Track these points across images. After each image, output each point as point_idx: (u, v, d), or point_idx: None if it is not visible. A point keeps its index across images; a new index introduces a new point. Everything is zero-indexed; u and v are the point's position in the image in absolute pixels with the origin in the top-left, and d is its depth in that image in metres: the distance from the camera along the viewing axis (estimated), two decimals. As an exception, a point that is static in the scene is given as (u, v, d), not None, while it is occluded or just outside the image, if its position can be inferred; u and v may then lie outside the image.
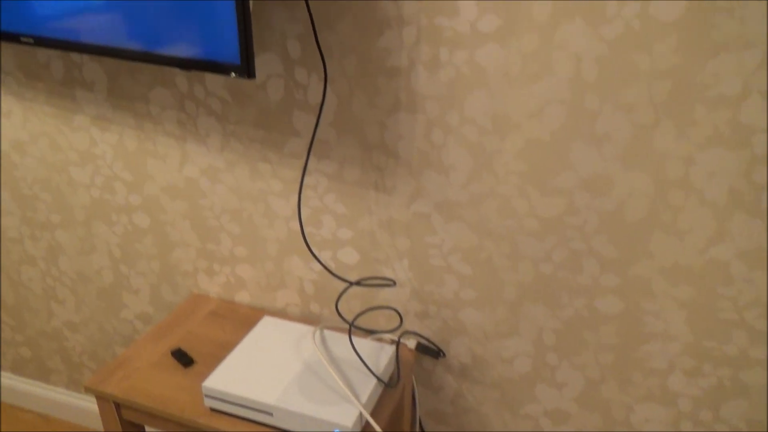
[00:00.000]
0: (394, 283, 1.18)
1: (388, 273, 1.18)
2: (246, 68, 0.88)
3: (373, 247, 1.16)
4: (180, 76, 1.13)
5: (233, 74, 0.89)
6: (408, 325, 1.22)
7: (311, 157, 1.12)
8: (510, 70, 0.92)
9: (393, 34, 0.96)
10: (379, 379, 1.01)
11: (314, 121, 1.08)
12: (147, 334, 1.22)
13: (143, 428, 1.19)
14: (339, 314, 1.08)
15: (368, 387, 0.99)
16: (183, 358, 1.13)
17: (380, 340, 1.20)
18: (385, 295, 1.21)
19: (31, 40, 1.02)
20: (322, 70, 1.03)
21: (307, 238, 1.20)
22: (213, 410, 1.01)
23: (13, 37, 1.03)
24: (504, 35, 0.89)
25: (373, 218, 1.13)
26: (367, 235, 1.15)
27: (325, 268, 1.10)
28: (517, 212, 1.02)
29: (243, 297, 1.35)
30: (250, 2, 0.84)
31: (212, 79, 1.11)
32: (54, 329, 1.64)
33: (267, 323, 1.17)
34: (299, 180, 1.14)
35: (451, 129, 0.99)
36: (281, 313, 1.32)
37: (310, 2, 0.98)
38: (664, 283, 0.99)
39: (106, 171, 1.31)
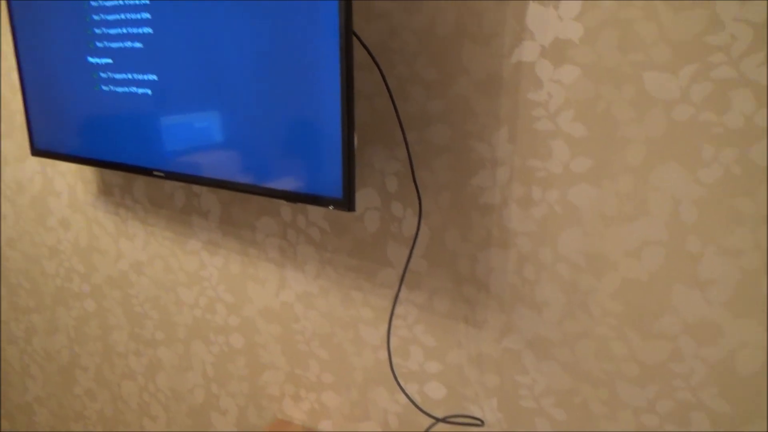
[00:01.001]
0: (482, 423, 1.13)
1: (475, 411, 1.13)
2: (347, 202, 0.94)
3: (461, 382, 1.12)
4: (285, 207, 1.22)
5: (331, 207, 0.95)
6: (496, 471, 1.14)
7: (402, 288, 1.14)
8: (604, 209, 0.92)
9: (487, 173, 1.00)
10: None
11: (407, 252, 1.11)
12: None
13: None
14: (423, 453, 1.03)
15: None
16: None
17: (466, 485, 1.13)
18: (472, 436, 1.15)
19: (162, 174, 1.15)
20: (418, 204, 1.08)
21: (394, 368, 1.19)
22: None
23: (147, 171, 1.17)
24: (597, 176, 0.91)
25: (462, 352, 1.11)
26: (456, 369, 1.12)
27: (411, 401, 1.08)
28: (615, 355, 0.97)
29: (326, 426, 1.33)
30: (355, 143, 0.92)
31: (314, 211, 1.19)
32: (143, 445, 1.67)
33: (349, 456, 1.14)
34: (390, 309, 1.16)
35: (544, 265, 0.99)
36: (363, 447, 1.29)
37: (409, 145, 1.05)
38: (790, 446, 0.88)
39: (210, 292, 1.39)
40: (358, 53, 1.05)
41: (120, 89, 1.16)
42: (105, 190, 1.51)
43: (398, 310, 1.16)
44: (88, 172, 1.53)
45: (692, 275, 0.88)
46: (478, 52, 0.96)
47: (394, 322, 1.17)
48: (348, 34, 0.85)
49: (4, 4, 1.54)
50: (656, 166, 0.86)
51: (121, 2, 1.09)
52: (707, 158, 0.83)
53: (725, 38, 0.78)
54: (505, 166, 0.98)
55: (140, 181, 1.43)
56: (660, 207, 0.88)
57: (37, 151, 1.39)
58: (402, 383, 1.19)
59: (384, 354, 1.20)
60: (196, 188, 1.34)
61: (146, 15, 1.06)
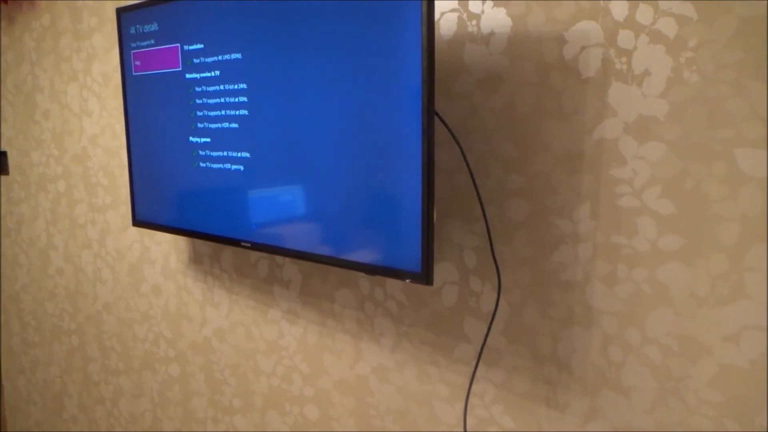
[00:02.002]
0: None
1: (559, 504, 1.05)
2: (425, 276, 0.94)
3: (543, 470, 1.06)
4: (363, 280, 1.24)
5: (408, 280, 0.96)
6: None
7: (480, 365, 1.11)
8: (697, 290, 0.87)
9: (568, 249, 0.98)
10: None
11: (485, 328, 1.09)
12: None
13: None
14: None
15: None
16: None
17: None
18: None
19: (248, 245, 1.21)
20: (496, 279, 1.06)
21: (471, 451, 1.14)
22: None
23: (235, 242, 1.24)
24: (688, 255, 0.87)
25: (544, 437, 1.06)
26: (537, 455, 1.07)
27: (489, 488, 1.02)
28: (714, 449, 0.89)
29: None
30: (434, 218, 0.94)
31: (392, 284, 1.20)
32: None
33: None
34: (466, 387, 1.13)
35: (632, 347, 0.94)
36: None
37: (488, 219, 1.06)
38: None
39: (287, 362, 1.41)
40: (439, 131, 1.09)
41: (216, 166, 1.25)
42: (195, 259, 1.59)
43: (475, 388, 1.12)
44: (181, 242, 1.63)
45: (800, 364, 0.81)
46: (558, 129, 0.97)
47: (471, 400, 1.13)
48: (430, 113, 0.89)
49: (121, 90, 1.72)
50: (752, 246, 0.82)
51: (221, 87, 1.19)
52: (810, 238, 0.78)
53: (823, 114, 0.75)
54: (588, 242, 0.96)
55: (228, 251, 1.50)
56: (758, 288, 0.82)
57: (137, 222, 1.50)
58: (479, 467, 1.14)
59: (460, 434, 1.16)
60: (279, 259, 1.39)
61: (243, 99, 1.16)
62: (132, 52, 1.40)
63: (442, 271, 1.13)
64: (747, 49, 0.79)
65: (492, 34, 1.01)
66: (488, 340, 1.09)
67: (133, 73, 1.41)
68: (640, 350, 0.93)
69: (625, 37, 0.89)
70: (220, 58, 1.19)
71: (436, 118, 1.05)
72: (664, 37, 0.85)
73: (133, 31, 1.38)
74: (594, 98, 0.93)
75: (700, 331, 0.88)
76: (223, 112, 1.21)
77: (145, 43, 1.36)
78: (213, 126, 1.23)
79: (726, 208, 0.84)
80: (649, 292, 0.91)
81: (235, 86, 1.17)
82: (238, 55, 1.15)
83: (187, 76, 1.27)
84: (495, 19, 1.01)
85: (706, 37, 0.82)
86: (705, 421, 0.89)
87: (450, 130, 1.05)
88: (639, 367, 0.94)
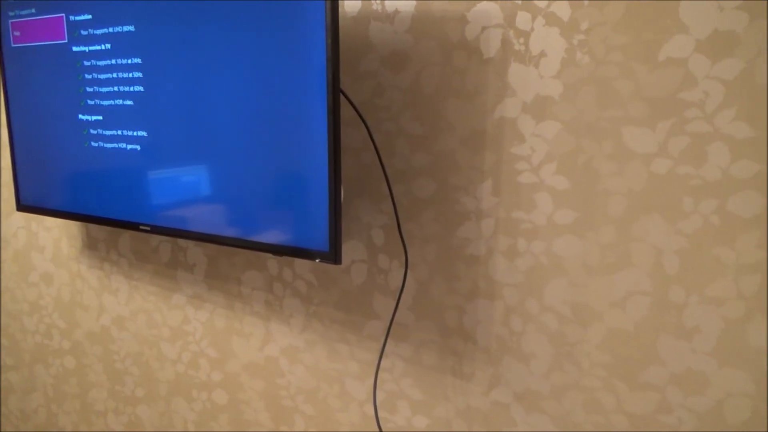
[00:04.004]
0: (473, 481, 1.10)
1: (465, 468, 1.10)
2: (333, 255, 0.94)
3: (451, 438, 1.10)
4: (272, 261, 1.22)
5: (318, 260, 0.95)
6: None
7: (389, 340, 1.13)
8: (588, 260, 0.93)
9: (472, 225, 1.01)
10: None
11: (393, 304, 1.11)
12: None
13: None
14: None
15: None
16: None
17: None
18: (462, 494, 1.12)
19: (148, 228, 1.15)
20: (404, 256, 1.08)
21: (380, 424, 1.17)
22: None
23: (134, 226, 1.17)
24: (581, 227, 0.93)
25: (450, 405, 1.10)
26: (444, 423, 1.11)
27: (400, 459, 1.05)
28: (604, 407, 0.96)
29: (312, 486, 1.29)
30: (342, 197, 0.93)
31: (301, 264, 1.19)
32: None
33: None
34: (376, 362, 1.15)
35: (531, 316, 0.99)
36: (351, 508, 1.24)
37: (395, 198, 1.07)
38: (784, 499, 0.87)
39: (193, 347, 1.37)
40: (346, 109, 1.08)
41: (109, 145, 1.17)
42: (90, 245, 1.50)
43: (385, 363, 1.14)
44: (73, 227, 1.53)
45: (677, 325, 0.89)
46: (462, 108, 0.99)
47: (380, 375, 1.15)
48: (335, 92, 0.88)
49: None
50: (638, 218, 0.88)
51: (113, 62, 1.12)
52: (687, 209, 0.85)
53: (698, 95, 0.82)
54: (491, 218, 0.99)
55: (126, 236, 1.42)
56: (643, 257, 0.89)
57: (23, 206, 1.39)
58: (390, 440, 1.17)
59: (370, 409, 1.18)
60: (182, 242, 1.33)
61: (138, 74, 1.09)
62: (10, 21, 1.28)
63: (350, 249, 1.13)
64: (634, 32, 0.85)
65: (396, 12, 1.01)
66: (396, 315, 1.11)
67: (12, 45, 1.29)
68: (539, 319, 0.99)
69: (523, 19, 0.92)
70: (110, 29, 1.11)
71: (342, 96, 1.04)
72: (559, 20, 0.89)
73: (9, -4, 1.26)
74: (495, 78, 0.95)
75: (592, 298, 0.94)
76: (115, 88, 1.13)
77: (25, 12, 1.25)
78: (105, 103, 1.15)
79: (614, 183, 0.89)
80: (546, 264, 0.96)
81: (129, 60, 1.10)
82: (131, 27, 1.08)
83: (74, 48, 1.18)
84: (399, -3, 1.01)
85: (597, 20, 0.87)
86: (596, 381, 0.96)
87: (356, 109, 1.04)
88: (537, 335, 0.99)
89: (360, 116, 1.04)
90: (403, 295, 1.10)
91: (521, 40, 0.92)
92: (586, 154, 0.91)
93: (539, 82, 0.92)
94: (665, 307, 0.89)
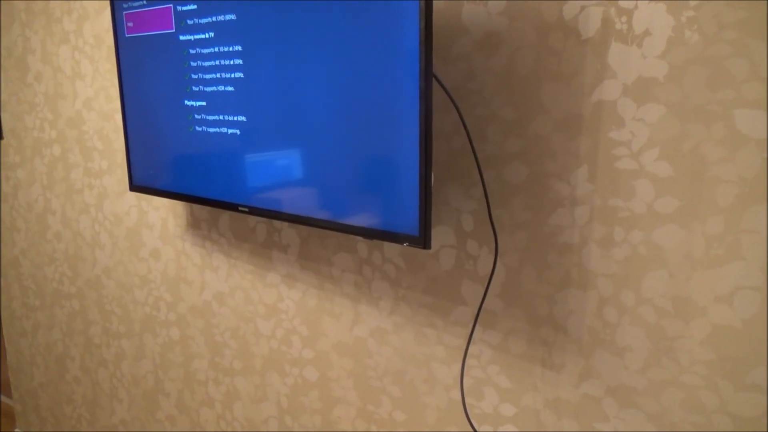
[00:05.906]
0: (560, 473, 1.08)
1: (553, 460, 1.08)
2: (423, 240, 0.95)
3: (537, 427, 1.09)
4: (361, 243, 1.25)
5: (407, 244, 0.96)
6: None
7: (477, 327, 1.12)
8: (692, 252, 0.88)
9: (565, 212, 0.98)
10: None
11: (482, 291, 1.10)
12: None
13: None
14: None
15: None
16: None
17: None
18: (548, 485, 1.10)
19: (246, 209, 1.21)
20: (494, 243, 1.07)
21: (467, 409, 1.17)
22: None
23: (233, 207, 1.24)
24: (685, 217, 0.88)
25: (539, 396, 1.08)
26: (531, 413, 1.09)
27: (485, 445, 1.05)
28: (705, 407, 0.91)
29: (397, 465, 1.31)
30: (432, 182, 0.94)
31: (390, 247, 1.21)
32: (218, 473, 1.71)
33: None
34: (463, 348, 1.15)
35: (627, 309, 0.95)
36: (435, 490, 1.26)
37: (485, 183, 1.06)
38: None
39: (286, 324, 1.43)
40: (437, 94, 1.08)
41: (212, 129, 1.23)
42: (193, 224, 1.60)
43: (472, 349, 1.14)
44: (179, 206, 1.63)
45: (792, 324, 0.82)
46: (557, 91, 0.96)
47: (467, 361, 1.15)
48: (428, 76, 0.88)
49: (114, 53, 1.69)
50: (750, 207, 0.82)
51: (216, 49, 1.18)
52: (807, 200, 0.78)
53: (824, 74, 0.75)
54: (585, 205, 0.96)
55: (226, 216, 1.50)
56: (754, 250, 0.83)
57: (134, 186, 1.50)
58: (475, 425, 1.17)
59: (457, 394, 1.18)
60: (277, 223, 1.39)
61: (239, 61, 1.14)
62: (124, 13, 1.38)
63: (439, 234, 1.13)
64: (749, 8, 0.78)
65: (491, -7, 0.99)
66: (485, 302, 1.11)
67: (126, 35, 1.39)
68: (635, 311, 0.95)
69: (626, -4, 0.87)
70: (213, 18, 1.17)
71: (434, 81, 1.04)
72: (666, -4, 0.84)
73: (124, -9, 1.35)
74: (593, 59, 0.91)
75: (695, 291, 0.89)
76: (218, 75, 1.19)
77: (137, 4, 1.33)
78: (208, 89, 1.22)
79: (724, 169, 0.84)
80: (644, 254, 0.92)
81: (230, 48, 1.15)
82: (233, 16, 1.13)
83: (181, 37, 1.25)
84: (494, -23, 0.99)
85: (708, -4, 0.81)
86: (697, 379, 0.91)
87: (448, 93, 1.04)
88: (633, 328, 0.95)
89: (452, 100, 1.03)
90: (492, 282, 1.09)
91: (623, 19, 0.88)
92: (692, 139, 0.85)
93: (642, 63, 0.87)
94: (779, 305, 0.83)
